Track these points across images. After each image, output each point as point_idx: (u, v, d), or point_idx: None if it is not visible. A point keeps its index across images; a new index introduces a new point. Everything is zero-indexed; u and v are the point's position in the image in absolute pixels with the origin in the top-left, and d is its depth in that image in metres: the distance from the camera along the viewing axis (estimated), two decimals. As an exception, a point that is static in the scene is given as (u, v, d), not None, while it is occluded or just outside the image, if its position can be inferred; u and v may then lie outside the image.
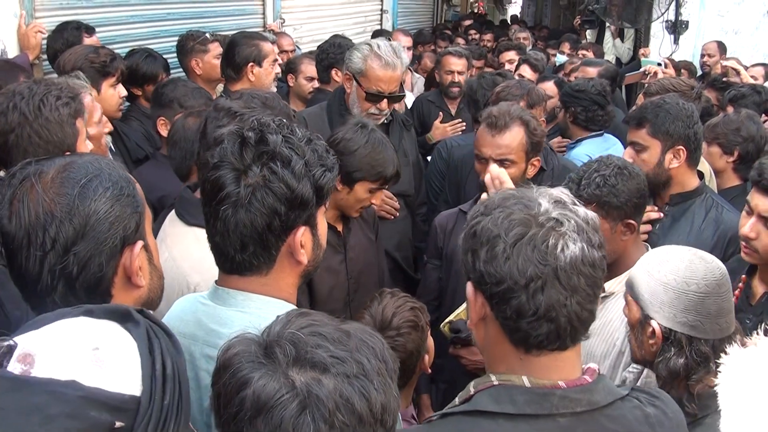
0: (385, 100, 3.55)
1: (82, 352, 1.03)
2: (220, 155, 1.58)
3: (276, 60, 4.28)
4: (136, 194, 1.49)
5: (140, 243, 1.47)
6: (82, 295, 1.39)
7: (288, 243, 1.60)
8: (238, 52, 4.12)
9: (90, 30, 4.42)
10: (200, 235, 2.14)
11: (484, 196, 2.55)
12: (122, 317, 1.12)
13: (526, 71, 5.81)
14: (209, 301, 1.68)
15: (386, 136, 2.90)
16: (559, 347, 1.40)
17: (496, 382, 1.44)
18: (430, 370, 2.51)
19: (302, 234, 1.61)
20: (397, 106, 4.81)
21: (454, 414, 1.44)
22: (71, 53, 3.66)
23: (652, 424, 1.44)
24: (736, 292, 2.66)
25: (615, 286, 2.52)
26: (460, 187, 3.94)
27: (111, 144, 3.85)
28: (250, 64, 4.10)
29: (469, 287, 1.45)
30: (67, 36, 4.21)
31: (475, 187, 3.73)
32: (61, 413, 0.96)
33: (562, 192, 1.46)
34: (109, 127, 3.07)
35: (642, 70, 6.09)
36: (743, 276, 2.68)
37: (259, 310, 1.60)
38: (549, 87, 5.32)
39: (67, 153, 2.32)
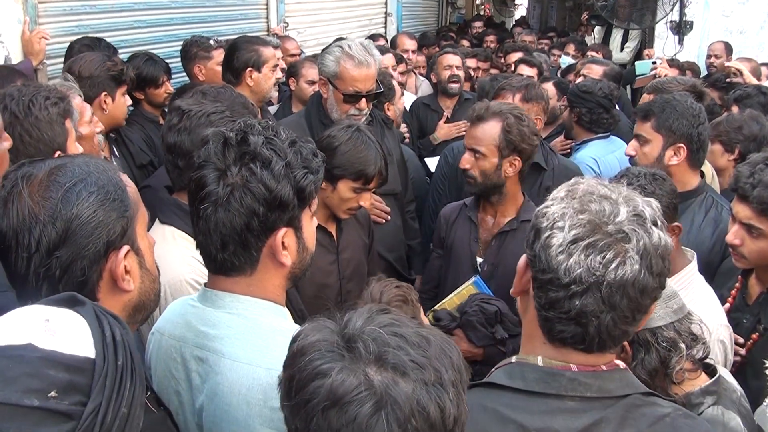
0: (364, 99, 3.54)
1: (35, 322, 1.07)
2: (205, 155, 1.60)
3: (277, 65, 4.23)
4: (124, 198, 1.48)
5: (125, 248, 1.46)
6: None
7: (269, 244, 1.61)
8: (237, 57, 4.10)
9: (116, 52, 4.46)
10: (167, 233, 2.22)
11: None
12: (69, 302, 1.16)
13: (525, 70, 5.85)
14: (198, 303, 1.68)
15: (374, 139, 2.90)
16: (584, 350, 1.41)
17: (513, 361, 1.49)
18: None
19: (284, 235, 1.61)
20: (390, 111, 4.83)
21: (473, 386, 1.47)
22: (89, 60, 3.66)
23: (666, 423, 1.41)
24: (733, 291, 2.66)
25: None
26: (461, 189, 3.94)
27: (115, 149, 3.89)
28: (249, 69, 4.07)
29: (523, 259, 1.48)
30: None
31: None
32: (21, 373, 0.99)
33: (650, 204, 1.42)
34: (100, 127, 3.07)
35: (653, 72, 6.06)
36: (740, 276, 2.67)
37: (246, 311, 1.61)
38: (549, 88, 5.33)
39: (58, 152, 2.37)
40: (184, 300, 1.77)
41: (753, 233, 2.47)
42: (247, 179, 1.54)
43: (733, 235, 2.53)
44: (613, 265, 1.31)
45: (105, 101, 3.59)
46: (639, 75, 6.42)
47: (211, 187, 1.56)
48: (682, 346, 1.91)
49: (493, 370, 1.52)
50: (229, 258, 1.60)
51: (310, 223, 1.71)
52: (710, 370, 2.02)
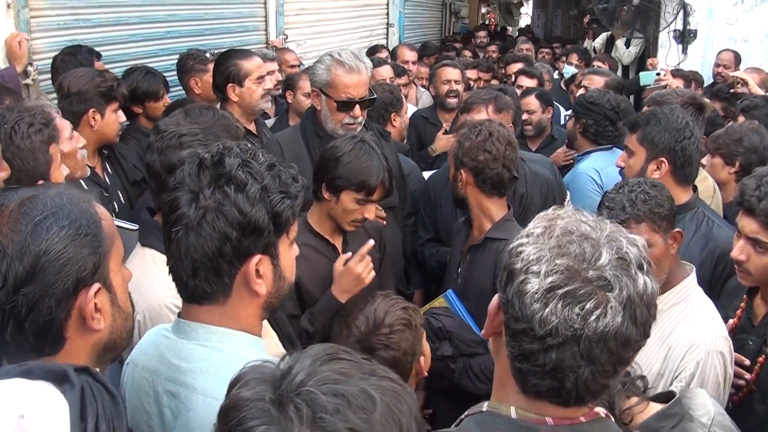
0: (357, 107, 3.49)
1: (7, 421, 0.98)
2: (179, 177, 1.55)
3: (262, 77, 4.13)
4: (98, 233, 1.39)
5: (96, 285, 1.38)
6: (30, 337, 1.32)
7: (243, 271, 1.54)
8: (218, 73, 4.04)
9: (99, 56, 4.42)
10: (147, 256, 2.19)
11: None
12: (59, 378, 1.06)
13: (525, 81, 5.78)
14: (172, 334, 1.62)
15: (379, 151, 2.85)
16: (560, 404, 1.30)
17: (485, 409, 1.37)
18: (426, 373, 2.51)
19: (258, 263, 1.54)
20: (397, 122, 4.77)
21: None
22: (78, 76, 3.62)
23: None
24: (738, 312, 2.58)
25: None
26: (435, 207, 3.91)
27: (108, 166, 3.83)
28: (230, 84, 3.99)
29: (495, 301, 1.36)
30: (80, 59, 4.18)
31: (449, 206, 3.75)
32: None
33: (635, 244, 1.29)
34: (83, 142, 3.01)
35: (664, 83, 6.01)
36: (744, 296, 2.59)
37: (219, 343, 1.55)
38: (531, 102, 5.25)
39: (40, 181, 2.30)
40: (158, 330, 1.70)
41: (759, 248, 2.40)
42: (220, 202, 1.48)
43: (739, 250, 2.45)
44: (593, 317, 1.19)
45: (94, 117, 3.54)
46: (644, 85, 6.34)
47: (183, 209, 1.50)
48: (618, 385, 1.77)
49: (462, 417, 1.42)
50: (200, 285, 1.53)
51: (288, 251, 1.63)
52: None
